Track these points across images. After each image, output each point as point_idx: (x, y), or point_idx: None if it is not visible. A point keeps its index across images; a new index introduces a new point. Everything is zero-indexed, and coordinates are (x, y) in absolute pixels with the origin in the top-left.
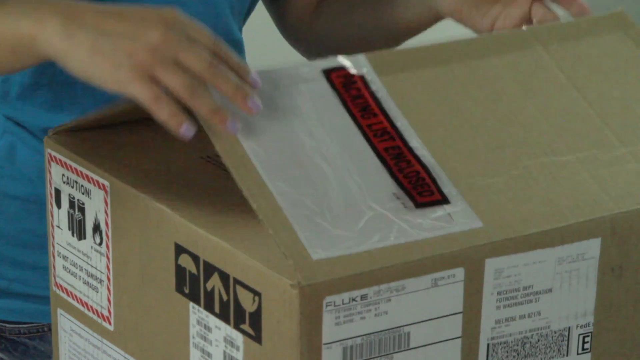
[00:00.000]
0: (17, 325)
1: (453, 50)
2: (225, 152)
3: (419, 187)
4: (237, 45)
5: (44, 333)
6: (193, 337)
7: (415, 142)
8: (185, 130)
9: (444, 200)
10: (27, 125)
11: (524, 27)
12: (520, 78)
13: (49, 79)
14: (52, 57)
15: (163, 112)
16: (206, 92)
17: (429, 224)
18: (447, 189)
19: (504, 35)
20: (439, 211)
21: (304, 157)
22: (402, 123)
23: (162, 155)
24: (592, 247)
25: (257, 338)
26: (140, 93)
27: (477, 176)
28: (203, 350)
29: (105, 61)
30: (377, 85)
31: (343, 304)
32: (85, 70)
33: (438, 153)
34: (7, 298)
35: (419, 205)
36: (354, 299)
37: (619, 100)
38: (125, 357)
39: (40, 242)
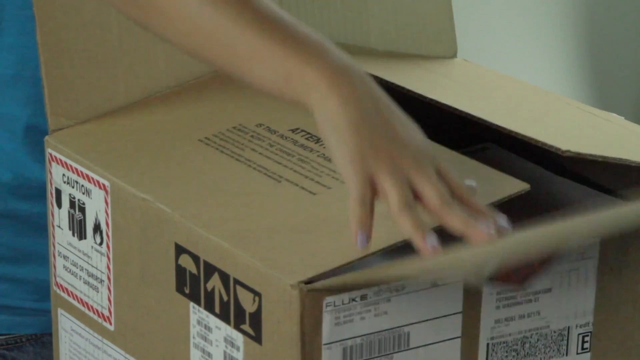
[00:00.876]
0: None
1: None
2: None
3: None
4: None
5: (22, 344)
6: (193, 337)
7: None
8: (361, 240)
9: None
10: (5, 124)
11: None
12: None
13: (32, 72)
14: (303, 104)
15: (361, 215)
16: (416, 213)
17: None
18: None
19: None
20: None
21: None
22: None
23: (161, 142)
24: (592, 246)
25: (257, 338)
26: (355, 185)
27: None
28: (203, 351)
29: (353, 142)
30: None
31: (343, 304)
32: (331, 138)
33: None
34: None
35: None
36: (353, 299)
37: None
38: (125, 357)
39: (15, 255)
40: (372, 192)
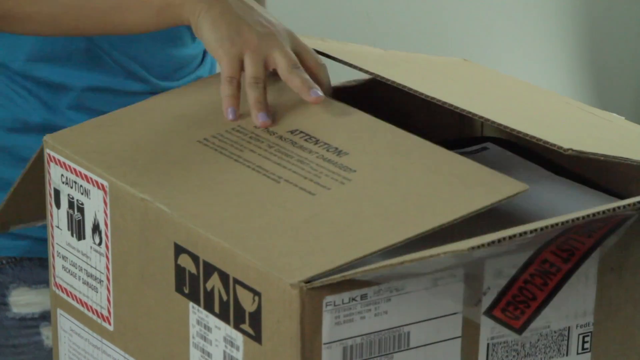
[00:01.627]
0: None
1: None
2: None
3: None
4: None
5: (2, 266)
6: (193, 337)
7: None
8: (231, 114)
9: None
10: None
11: None
12: None
13: None
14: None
15: (230, 93)
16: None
17: None
18: None
19: None
20: None
21: None
22: None
23: (160, 143)
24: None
25: (257, 338)
26: (225, 64)
27: None
28: (203, 350)
29: (222, 29)
30: None
31: (343, 303)
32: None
33: None
34: None
35: None
36: (354, 299)
37: None
38: (125, 357)
39: (1, 185)
40: (239, 71)
